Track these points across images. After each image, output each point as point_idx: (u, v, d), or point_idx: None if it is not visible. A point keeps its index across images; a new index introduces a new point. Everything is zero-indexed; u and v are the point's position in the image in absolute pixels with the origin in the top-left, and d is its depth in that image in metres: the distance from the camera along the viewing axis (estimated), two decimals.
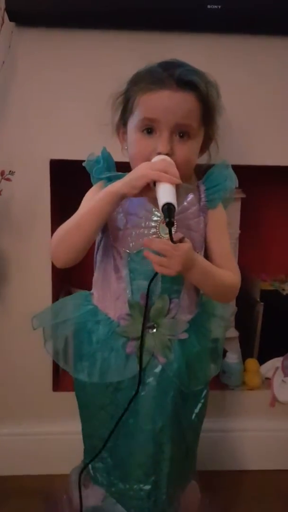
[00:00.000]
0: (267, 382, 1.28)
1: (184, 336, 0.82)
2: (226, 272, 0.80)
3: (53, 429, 1.21)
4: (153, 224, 0.79)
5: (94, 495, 0.90)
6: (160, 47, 1.01)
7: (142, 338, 0.79)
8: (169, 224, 0.68)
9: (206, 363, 0.86)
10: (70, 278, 1.33)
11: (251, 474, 1.23)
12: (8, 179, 1.03)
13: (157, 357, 0.81)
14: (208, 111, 0.78)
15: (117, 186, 0.73)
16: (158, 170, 0.70)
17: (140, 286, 0.79)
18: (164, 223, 0.69)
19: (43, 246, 1.13)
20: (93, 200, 0.77)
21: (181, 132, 0.75)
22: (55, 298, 1.21)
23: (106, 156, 0.83)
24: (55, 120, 1.08)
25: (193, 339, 0.83)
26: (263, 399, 1.26)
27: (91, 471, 0.89)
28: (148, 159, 0.75)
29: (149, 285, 0.76)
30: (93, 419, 0.86)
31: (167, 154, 0.74)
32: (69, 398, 1.19)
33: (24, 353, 1.17)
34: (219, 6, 0.98)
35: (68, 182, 1.22)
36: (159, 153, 0.74)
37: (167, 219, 0.68)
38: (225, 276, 0.80)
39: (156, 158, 0.75)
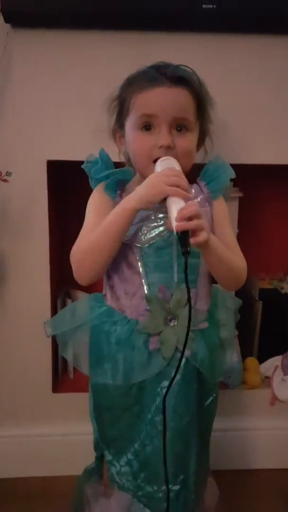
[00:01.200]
0: (267, 381, 1.28)
1: (205, 325, 0.82)
2: (234, 254, 0.81)
3: (52, 430, 1.21)
4: (161, 215, 0.79)
5: (118, 503, 0.86)
6: (156, 47, 1.03)
7: (186, 339, 0.72)
8: (186, 254, 0.67)
9: (223, 353, 0.86)
10: (69, 279, 1.32)
11: (252, 473, 1.23)
12: (5, 180, 1.03)
13: (180, 350, 0.79)
14: (201, 105, 0.80)
15: (133, 202, 0.73)
16: (172, 183, 0.70)
17: (155, 279, 0.79)
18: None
19: (41, 247, 1.13)
20: (110, 216, 0.76)
21: (179, 126, 0.77)
22: (54, 298, 1.21)
23: (104, 156, 0.83)
24: (51, 121, 1.08)
25: (210, 329, 0.83)
26: (263, 398, 1.26)
27: (116, 477, 0.86)
28: (150, 154, 0.76)
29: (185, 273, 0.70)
30: (119, 421, 0.84)
31: (168, 147, 0.75)
32: (69, 400, 1.20)
33: (24, 354, 1.17)
34: (214, 6, 0.99)
35: (65, 183, 1.22)
36: (161, 147, 0.76)
37: (183, 248, 0.67)
38: (233, 258, 0.80)
39: (160, 165, 0.74)
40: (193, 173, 0.86)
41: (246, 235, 1.31)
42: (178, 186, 0.70)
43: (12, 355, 1.18)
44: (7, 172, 1.03)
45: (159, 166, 0.74)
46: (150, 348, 0.79)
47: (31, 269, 1.14)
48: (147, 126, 0.77)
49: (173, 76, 0.76)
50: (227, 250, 0.79)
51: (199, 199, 0.83)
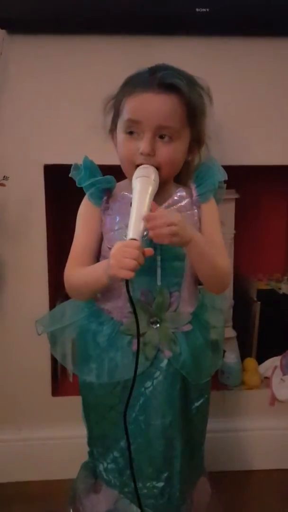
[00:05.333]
0: (266, 381, 1.28)
1: (188, 328, 0.84)
2: (218, 255, 0.82)
3: (52, 434, 1.21)
4: None
5: (106, 499, 0.90)
6: (150, 51, 1.04)
7: (137, 329, 0.76)
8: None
9: (209, 356, 0.87)
10: None
11: (252, 474, 1.23)
12: (2, 185, 1.03)
13: (163, 351, 0.82)
14: (192, 113, 0.79)
15: (107, 279, 0.75)
16: (125, 267, 0.69)
17: (140, 282, 0.80)
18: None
19: (39, 251, 1.14)
20: (92, 274, 0.80)
21: (163, 134, 0.77)
22: (52, 303, 1.21)
23: (88, 164, 0.84)
24: (48, 125, 1.09)
25: (196, 331, 0.84)
26: (262, 398, 1.26)
27: (104, 474, 0.90)
28: (132, 159, 0.77)
29: (127, 285, 0.72)
30: (104, 420, 0.87)
31: (148, 155, 0.76)
32: (68, 403, 1.19)
33: (23, 358, 1.17)
34: (208, 10, 0.99)
35: (62, 187, 1.22)
36: (141, 153, 0.76)
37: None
38: (218, 258, 0.81)
39: (137, 172, 0.76)
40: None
41: (243, 236, 1.32)
42: (130, 267, 0.69)
43: (12, 359, 1.18)
44: (4, 176, 1.03)
45: (136, 174, 0.76)
46: (133, 349, 0.81)
47: (29, 273, 1.15)
48: (132, 131, 0.77)
49: (162, 82, 0.75)
50: (211, 249, 0.80)
51: (183, 203, 0.83)
